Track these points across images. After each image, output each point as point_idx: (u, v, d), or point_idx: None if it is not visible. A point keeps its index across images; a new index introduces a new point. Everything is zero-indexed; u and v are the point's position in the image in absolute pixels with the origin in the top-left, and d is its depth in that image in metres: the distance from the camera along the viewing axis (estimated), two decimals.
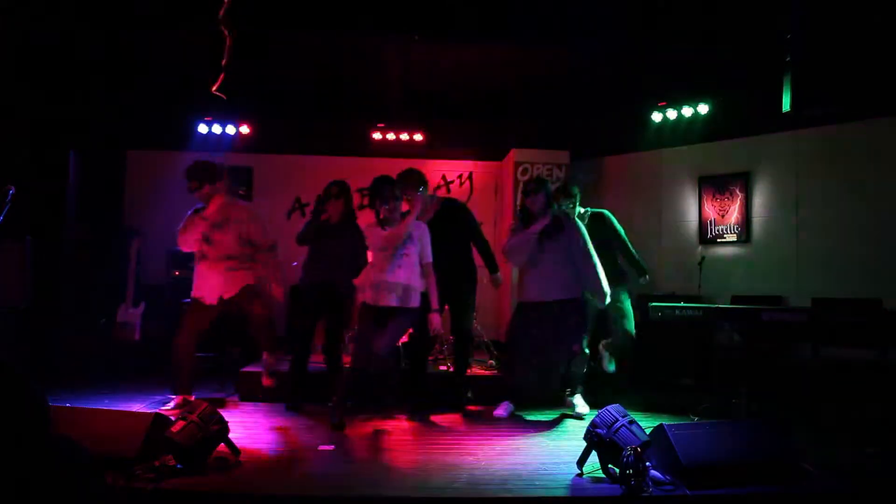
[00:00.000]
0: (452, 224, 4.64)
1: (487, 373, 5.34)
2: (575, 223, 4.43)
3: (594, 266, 4.29)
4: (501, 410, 4.50)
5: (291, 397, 4.59)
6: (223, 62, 4.45)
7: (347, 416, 4.34)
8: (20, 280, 4.92)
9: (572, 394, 4.66)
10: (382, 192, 4.15)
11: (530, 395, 4.65)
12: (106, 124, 6.82)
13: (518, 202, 7.09)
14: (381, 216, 4.17)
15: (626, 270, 4.96)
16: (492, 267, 4.80)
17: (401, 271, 4.06)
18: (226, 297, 4.41)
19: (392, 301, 4.06)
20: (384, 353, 4.09)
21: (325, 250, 4.56)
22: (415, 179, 4.50)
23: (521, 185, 7.10)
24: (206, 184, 4.38)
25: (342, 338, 4.81)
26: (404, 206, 4.31)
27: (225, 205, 4.47)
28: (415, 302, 4.12)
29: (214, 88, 4.53)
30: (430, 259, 4.18)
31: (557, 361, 4.45)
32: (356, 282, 4.29)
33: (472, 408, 4.71)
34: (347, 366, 4.41)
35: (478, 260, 4.83)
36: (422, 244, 4.16)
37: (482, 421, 4.40)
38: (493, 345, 5.93)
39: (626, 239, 4.99)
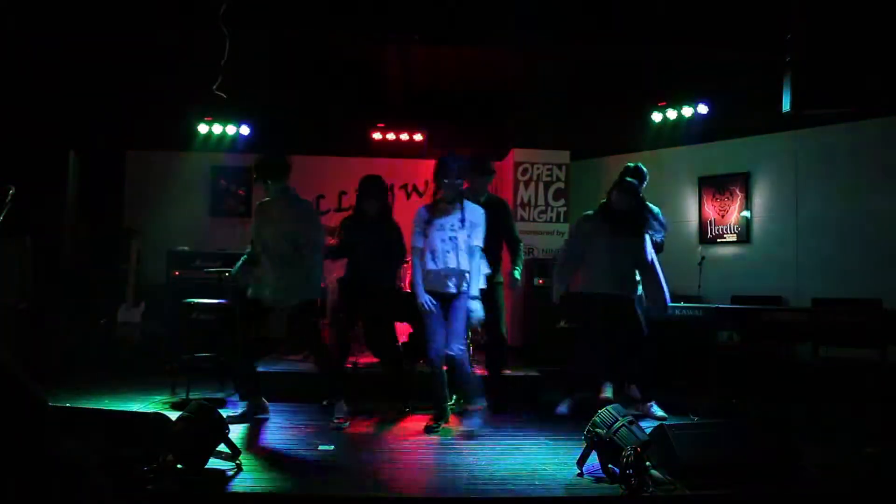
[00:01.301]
0: (493, 219, 4.54)
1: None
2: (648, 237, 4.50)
3: (658, 275, 4.39)
4: (563, 408, 4.49)
5: (331, 396, 4.48)
6: (223, 62, 4.45)
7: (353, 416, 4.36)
8: (20, 280, 4.92)
9: (646, 400, 4.54)
10: (453, 166, 3.98)
11: (597, 385, 4.64)
12: (106, 124, 6.82)
13: (512, 198, 7.09)
14: (441, 195, 4.01)
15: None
16: (519, 270, 4.70)
17: (452, 256, 3.94)
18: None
19: (450, 288, 3.96)
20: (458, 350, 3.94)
21: (361, 246, 4.52)
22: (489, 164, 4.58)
23: (521, 184, 7.11)
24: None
25: (388, 334, 4.72)
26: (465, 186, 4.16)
27: (287, 198, 4.33)
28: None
29: (215, 88, 4.53)
30: (480, 243, 4.05)
31: (629, 351, 4.40)
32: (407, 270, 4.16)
33: (478, 408, 4.71)
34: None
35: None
36: (473, 227, 4.03)
37: (482, 421, 4.40)
38: None
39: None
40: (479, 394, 4.07)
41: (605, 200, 4.54)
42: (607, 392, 4.71)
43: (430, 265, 3.94)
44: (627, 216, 4.41)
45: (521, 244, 4.81)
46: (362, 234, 4.51)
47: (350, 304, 4.56)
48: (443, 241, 3.95)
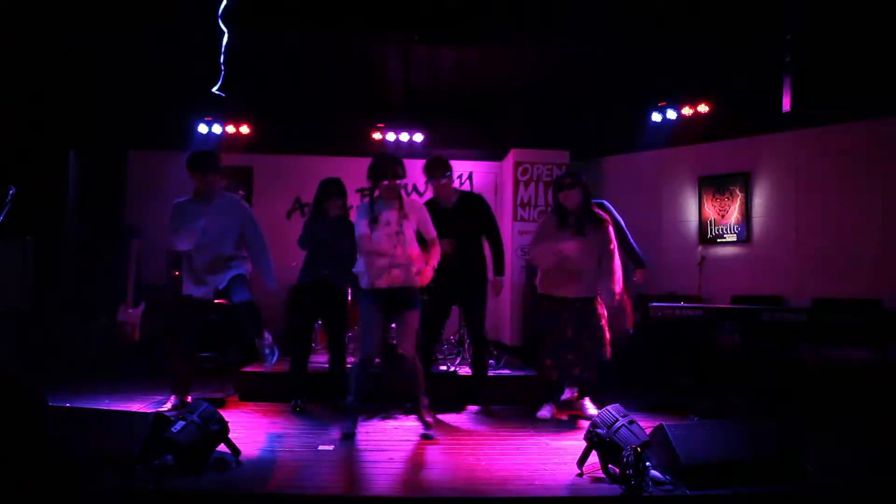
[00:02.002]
0: (470, 216, 4.56)
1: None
2: (610, 221, 4.41)
3: (615, 265, 4.33)
4: (545, 412, 4.45)
5: (295, 398, 4.59)
6: (221, 61, 4.46)
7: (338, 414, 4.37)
8: (20, 280, 4.92)
9: (582, 396, 4.60)
10: (385, 168, 3.94)
11: (571, 387, 4.63)
12: (106, 124, 6.82)
13: (512, 198, 7.09)
14: (377, 194, 3.97)
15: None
16: (499, 268, 4.71)
17: (399, 249, 3.87)
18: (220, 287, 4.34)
19: (397, 280, 3.88)
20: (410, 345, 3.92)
21: (323, 248, 4.58)
22: (443, 165, 4.54)
23: (521, 184, 7.11)
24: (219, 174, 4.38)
25: (344, 336, 4.81)
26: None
27: (228, 196, 4.46)
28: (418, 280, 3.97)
29: (215, 88, 4.54)
30: (434, 234, 4.03)
31: (586, 353, 4.35)
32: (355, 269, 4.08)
33: (472, 407, 4.72)
34: (350, 364, 4.40)
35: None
36: (420, 220, 4.00)
37: (482, 421, 4.40)
38: (494, 345, 5.93)
39: (627, 231, 4.99)
40: (422, 395, 4.03)
41: (555, 206, 4.46)
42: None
43: (378, 261, 3.88)
44: (580, 213, 4.34)
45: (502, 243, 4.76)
46: (325, 235, 4.57)
47: (314, 304, 4.61)
48: (389, 235, 3.89)
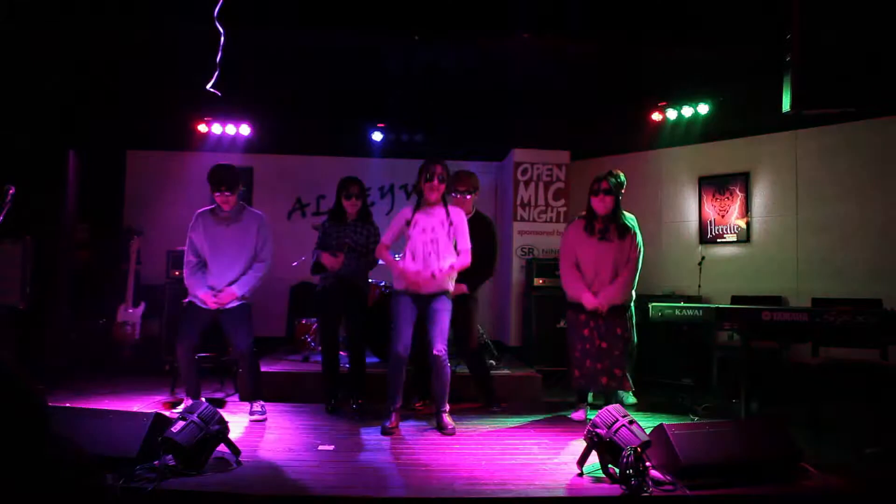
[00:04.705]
0: (477, 236, 4.52)
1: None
2: (635, 231, 4.40)
3: (629, 276, 4.32)
4: (580, 413, 4.45)
5: (328, 399, 4.60)
6: (217, 60, 4.46)
7: (353, 415, 4.38)
8: (20, 280, 4.93)
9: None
10: (430, 170, 4.01)
11: (598, 393, 4.65)
12: (106, 124, 6.82)
13: (512, 198, 7.09)
14: (426, 195, 4.03)
15: None
16: (474, 285, 4.58)
17: (434, 256, 3.94)
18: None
19: (431, 287, 3.96)
20: (442, 347, 4.00)
21: (342, 247, 4.55)
22: (473, 181, 4.65)
23: (521, 184, 7.11)
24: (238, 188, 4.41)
25: (365, 335, 4.77)
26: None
27: (245, 209, 4.46)
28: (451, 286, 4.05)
29: (209, 86, 4.54)
30: (467, 246, 4.08)
31: (614, 362, 4.33)
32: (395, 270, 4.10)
33: (469, 406, 4.73)
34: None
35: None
36: (458, 229, 4.06)
37: (482, 420, 4.40)
38: (494, 345, 5.93)
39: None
40: (445, 398, 4.09)
41: (587, 209, 4.45)
42: (590, 399, 4.73)
43: (411, 266, 3.94)
44: (611, 219, 4.35)
45: (491, 268, 4.68)
46: (342, 233, 4.57)
47: (336, 303, 4.59)
48: (424, 242, 3.95)
